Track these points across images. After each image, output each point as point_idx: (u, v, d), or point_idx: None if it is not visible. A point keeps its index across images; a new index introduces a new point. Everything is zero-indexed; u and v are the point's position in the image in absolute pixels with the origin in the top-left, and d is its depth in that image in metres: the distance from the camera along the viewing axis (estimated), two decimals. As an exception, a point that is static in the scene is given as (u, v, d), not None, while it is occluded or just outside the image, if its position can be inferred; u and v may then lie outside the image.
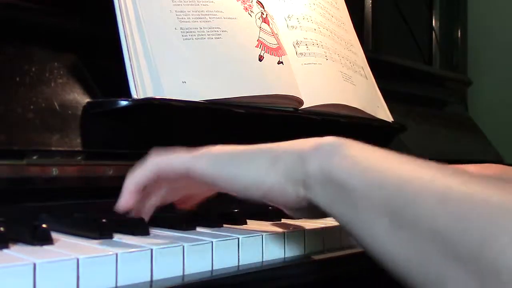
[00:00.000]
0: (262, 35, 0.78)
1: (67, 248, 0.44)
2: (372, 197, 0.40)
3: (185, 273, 0.46)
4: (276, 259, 0.53)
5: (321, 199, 0.45)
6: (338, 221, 0.44)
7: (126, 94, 0.64)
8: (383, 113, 0.99)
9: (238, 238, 0.51)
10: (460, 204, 0.35)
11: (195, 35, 0.71)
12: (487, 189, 0.36)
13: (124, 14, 0.67)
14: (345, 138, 0.46)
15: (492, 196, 0.35)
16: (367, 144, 0.45)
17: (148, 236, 0.51)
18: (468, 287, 0.34)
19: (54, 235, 0.48)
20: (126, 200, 0.52)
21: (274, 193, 0.48)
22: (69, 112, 0.64)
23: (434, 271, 0.36)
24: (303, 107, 0.81)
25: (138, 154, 0.67)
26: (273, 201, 0.49)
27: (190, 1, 0.73)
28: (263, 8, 0.81)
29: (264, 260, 0.52)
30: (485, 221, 0.34)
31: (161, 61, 0.67)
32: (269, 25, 0.80)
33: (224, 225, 0.59)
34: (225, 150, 0.51)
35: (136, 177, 0.52)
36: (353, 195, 0.42)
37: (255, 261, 0.52)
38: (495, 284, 0.33)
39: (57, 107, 0.63)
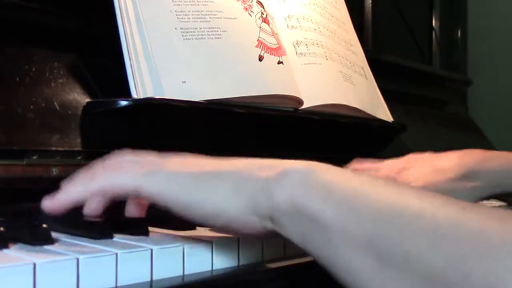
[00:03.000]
0: (262, 35, 0.78)
1: (67, 248, 0.44)
2: (351, 234, 0.36)
3: (185, 273, 0.46)
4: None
5: (292, 233, 0.40)
6: (312, 256, 0.40)
7: (126, 94, 0.64)
8: (383, 113, 0.99)
9: (238, 239, 0.51)
10: (455, 245, 0.32)
11: (195, 35, 0.71)
12: (485, 224, 0.32)
13: (124, 14, 0.67)
14: (317, 163, 0.41)
15: (491, 233, 0.32)
16: (342, 169, 0.41)
17: (148, 236, 0.51)
18: None
19: (54, 235, 0.48)
20: (54, 207, 0.46)
21: (236, 224, 0.43)
22: (69, 112, 0.64)
23: None
24: (303, 107, 0.81)
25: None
26: (235, 232, 0.45)
27: (190, 1, 0.73)
28: (263, 8, 0.81)
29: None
30: (488, 264, 0.31)
31: (161, 61, 0.67)
32: (269, 25, 0.80)
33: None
34: (181, 169, 0.45)
35: (75, 192, 0.46)
36: (328, 230, 0.37)
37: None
38: None
39: (57, 107, 0.63)
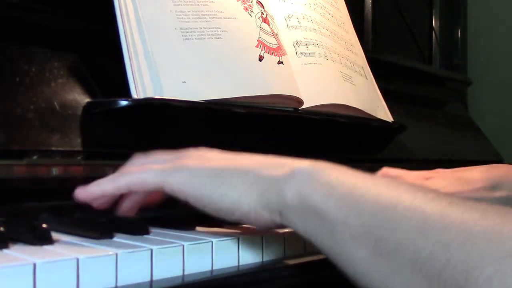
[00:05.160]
0: (262, 35, 0.78)
1: (67, 248, 0.44)
2: (350, 225, 0.40)
3: (185, 273, 0.46)
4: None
5: (299, 226, 0.44)
6: (317, 248, 0.44)
7: (126, 94, 0.64)
8: (383, 113, 0.99)
9: (238, 238, 0.51)
10: (440, 234, 0.35)
11: (195, 35, 0.71)
12: (468, 216, 0.36)
13: (124, 14, 0.67)
14: (322, 163, 0.45)
15: (472, 224, 0.35)
16: (345, 168, 0.45)
17: (148, 236, 0.51)
18: None
19: (54, 235, 0.48)
20: (85, 196, 0.52)
21: (250, 218, 0.47)
22: (69, 112, 0.64)
23: None
24: (303, 107, 0.81)
25: (138, 154, 0.67)
26: (249, 224, 0.49)
27: (190, 1, 0.73)
28: (263, 8, 0.81)
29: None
30: (468, 252, 0.33)
31: (161, 61, 0.67)
32: (269, 25, 0.80)
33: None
34: (201, 165, 0.50)
35: (106, 189, 0.51)
36: (331, 223, 0.41)
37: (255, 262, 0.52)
38: None
39: (57, 107, 0.63)
